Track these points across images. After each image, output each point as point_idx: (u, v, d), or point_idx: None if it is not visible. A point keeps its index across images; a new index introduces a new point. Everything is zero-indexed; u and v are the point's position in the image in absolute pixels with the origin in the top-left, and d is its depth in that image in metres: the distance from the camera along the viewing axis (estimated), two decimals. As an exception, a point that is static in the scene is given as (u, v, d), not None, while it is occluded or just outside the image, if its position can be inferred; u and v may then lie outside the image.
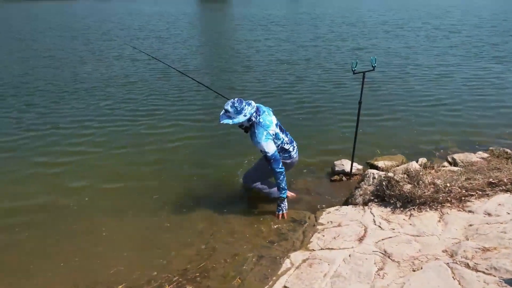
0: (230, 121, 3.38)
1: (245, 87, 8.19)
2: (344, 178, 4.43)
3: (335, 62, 10.66)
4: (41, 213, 3.85)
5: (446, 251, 2.66)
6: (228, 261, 3.07)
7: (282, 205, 3.62)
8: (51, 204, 3.99)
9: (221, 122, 3.42)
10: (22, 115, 6.60)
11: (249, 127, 3.49)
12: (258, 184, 3.84)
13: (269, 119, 3.52)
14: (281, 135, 3.61)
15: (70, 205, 3.95)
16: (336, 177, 4.46)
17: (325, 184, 4.37)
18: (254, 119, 3.43)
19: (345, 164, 4.50)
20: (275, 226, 3.52)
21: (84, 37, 16.09)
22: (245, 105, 3.37)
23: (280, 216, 3.62)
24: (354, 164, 4.42)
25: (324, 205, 3.88)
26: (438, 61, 10.45)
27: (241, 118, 3.35)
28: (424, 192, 3.25)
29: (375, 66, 3.75)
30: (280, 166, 3.46)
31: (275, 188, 3.75)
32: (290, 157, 3.72)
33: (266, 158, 3.46)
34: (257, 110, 3.49)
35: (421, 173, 3.50)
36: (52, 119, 6.35)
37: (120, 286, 2.86)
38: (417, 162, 4.32)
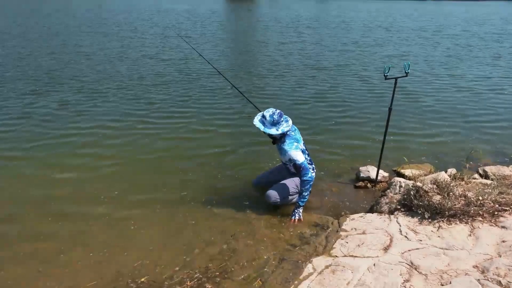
0: (261, 127, 3.48)
1: (276, 91, 8.07)
2: (369, 185, 4.33)
3: (367, 67, 10.49)
4: (73, 204, 3.93)
5: (477, 266, 2.56)
6: (249, 262, 3.05)
7: (297, 210, 3.62)
8: (82, 196, 4.07)
9: (254, 122, 3.51)
10: (56, 112, 6.67)
11: (279, 139, 3.60)
12: (286, 199, 3.80)
13: (299, 137, 3.74)
14: (307, 154, 3.77)
15: (101, 198, 4.02)
16: (361, 183, 4.37)
17: (349, 190, 4.29)
18: (286, 132, 3.56)
19: (370, 171, 4.40)
20: (297, 230, 3.47)
21: (115, 34, 16.44)
22: (283, 121, 3.50)
23: (296, 221, 3.58)
24: (380, 171, 4.32)
25: (347, 211, 3.81)
26: (478, 71, 10.06)
27: (272, 131, 3.47)
28: (455, 204, 3.14)
29: (408, 72, 3.65)
30: (310, 175, 3.53)
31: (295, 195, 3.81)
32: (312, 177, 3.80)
33: (296, 167, 3.56)
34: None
35: (451, 184, 3.39)
36: (85, 119, 6.31)
37: (143, 279, 2.89)
38: (446, 172, 4.19)
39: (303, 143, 3.78)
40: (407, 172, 4.40)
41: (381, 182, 4.34)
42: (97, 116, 6.44)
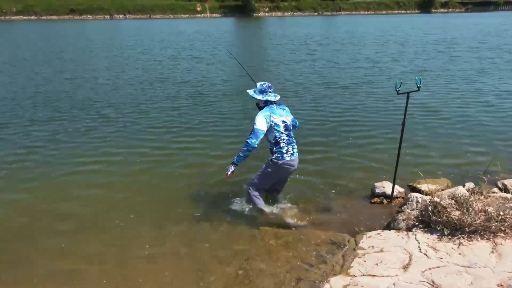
0: (251, 93, 3.86)
1: (291, 109, 7.93)
2: (384, 201, 4.25)
3: (383, 83, 10.45)
4: (89, 226, 3.94)
5: (501, 285, 2.46)
6: (266, 282, 3.00)
7: (229, 167, 3.81)
8: (98, 219, 4.07)
9: (247, 90, 3.96)
10: (76, 135, 6.75)
11: (262, 107, 3.85)
12: (254, 191, 4.00)
13: (280, 113, 3.81)
14: (282, 130, 3.77)
15: (116, 221, 4.00)
16: (376, 199, 4.29)
17: (364, 206, 4.21)
18: (270, 104, 3.81)
19: (386, 187, 4.32)
20: (313, 248, 3.42)
21: (129, 58, 16.75)
22: (269, 93, 3.80)
23: (227, 175, 3.82)
24: (396, 186, 4.23)
25: (364, 229, 3.73)
26: (497, 85, 9.83)
27: (256, 97, 3.81)
28: (475, 220, 3.05)
29: (420, 86, 3.62)
30: (253, 142, 3.64)
31: (262, 202, 4.02)
32: (282, 157, 3.79)
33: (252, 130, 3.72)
34: (280, 104, 3.89)
35: (470, 199, 3.29)
36: (105, 145, 6.24)
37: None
38: (463, 186, 4.09)
39: (284, 121, 3.80)
40: (424, 187, 4.30)
41: (397, 198, 4.25)
42: (116, 140, 6.42)
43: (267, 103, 3.81)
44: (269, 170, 3.88)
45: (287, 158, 3.80)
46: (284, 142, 3.79)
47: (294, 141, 3.93)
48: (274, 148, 3.81)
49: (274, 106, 3.82)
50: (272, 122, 3.72)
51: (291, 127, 3.96)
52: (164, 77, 11.98)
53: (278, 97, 3.86)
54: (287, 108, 3.97)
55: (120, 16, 69.29)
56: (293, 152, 3.86)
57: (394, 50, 17.12)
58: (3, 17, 63.21)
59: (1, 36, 29.64)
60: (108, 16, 68.40)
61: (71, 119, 7.64)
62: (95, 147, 6.14)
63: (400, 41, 20.93)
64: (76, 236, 3.76)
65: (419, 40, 21.28)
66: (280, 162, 3.79)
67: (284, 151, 3.79)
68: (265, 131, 3.71)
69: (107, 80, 11.72)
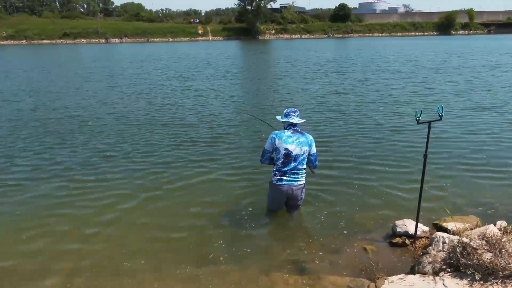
0: (279, 118, 4.67)
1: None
2: (407, 241, 4.20)
3: (402, 111, 10.57)
4: (109, 259, 4.00)
5: (543, 339, 2.39)
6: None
7: None
8: (119, 255, 4.10)
9: (277, 117, 4.76)
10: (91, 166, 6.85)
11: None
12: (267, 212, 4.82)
13: (287, 140, 4.40)
14: (280, 156, 4.42)
15: (129, 266, 3.96)
16: (397, 239, 4.25)
17: (384, 247, 4.17)
18: (288, 127, 4.51)
19: (408, 225, 4.30)
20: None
21: (129, 86, 16.86)
22: (292, 116, 4.47)
23: None
24: (419, 225, 4.20)
25: (384, 273, 3.68)
26: None
27: (282, 120, 4.60)
28: (509, 263, 3.01)
29: (442, 115, 3.68)
30: (261, 159, 4.63)
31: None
32: (272, 177, 4.55)
33: None
34: (300, 132, 4.47)
35: (503, 239, 3.26)
36: (119, 183, 6.08)
37: None
38: (495, 225, 4.05)
39: (287, 149, 4.37)
40: (450, 225, 4.26)
41: (420, 237, 4.20)
42: (132, 174, 6.36)
43: (290, 125, 4.48)
44: (269, 188, 4.67)
45: (274, 182, 4.52)
46: (276, 166, 4.49)
47: (293, 171, 4.44)
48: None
49: (288, 132, 4.44)
50: (275, 145, 4.45)
51: (301, 160, 4.44)
52: (170, 118, 10.87)
53: (301, 120, 4.53)
54: (306, 140, 4.45)
55: (116, 40, 71.60)
56: (282, 179, 4.47)
57: (435, 79, 16.77)
58: (-10, 42, 65.70)
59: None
60: (104, 40, 70.73)
61: (66, 156, 7.62)
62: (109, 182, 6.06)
63: (440, 67, 20.74)
64: (109, 275, 3.78)
65: (461, 66, 21.12)
66: (271, 180, 4.57)
67: (273, 174, 4.55)
68: (271, 150, 4.49)
69: (118, 115, 11.04)
